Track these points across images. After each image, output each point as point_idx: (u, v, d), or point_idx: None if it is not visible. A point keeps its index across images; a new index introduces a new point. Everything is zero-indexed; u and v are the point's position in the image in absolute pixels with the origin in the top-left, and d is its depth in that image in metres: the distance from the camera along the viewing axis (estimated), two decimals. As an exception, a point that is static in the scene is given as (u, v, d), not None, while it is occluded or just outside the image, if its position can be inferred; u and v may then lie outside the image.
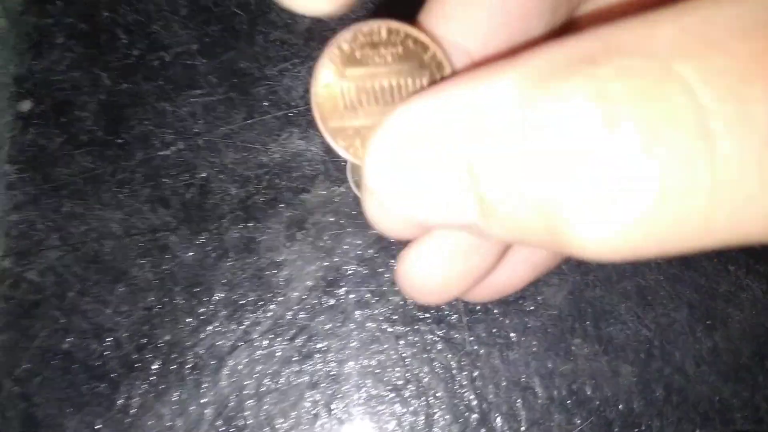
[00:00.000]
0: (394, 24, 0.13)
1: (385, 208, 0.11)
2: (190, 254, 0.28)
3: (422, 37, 0.13)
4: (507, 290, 0.17)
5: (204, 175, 0.29)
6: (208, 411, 0.27)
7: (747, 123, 0.07)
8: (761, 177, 0.08)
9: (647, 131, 0.08)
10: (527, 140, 0.09)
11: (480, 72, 0.10)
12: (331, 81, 0.13)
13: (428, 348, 0.27)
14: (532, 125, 0.09)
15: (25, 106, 0.30)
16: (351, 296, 0.28)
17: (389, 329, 0.27)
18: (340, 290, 0.28)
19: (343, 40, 0.13)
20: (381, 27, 0.13)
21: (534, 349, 0.27)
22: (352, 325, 0.27)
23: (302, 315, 0.28)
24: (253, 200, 0.29)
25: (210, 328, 0.27)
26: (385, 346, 0.27)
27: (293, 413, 0.27)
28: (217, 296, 0.28)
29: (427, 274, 0.15)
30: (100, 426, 0.26)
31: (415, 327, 0.27)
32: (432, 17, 0.14)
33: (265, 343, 0.27)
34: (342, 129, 0.13)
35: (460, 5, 0.14)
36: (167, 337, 0.27)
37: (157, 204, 0.28)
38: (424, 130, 0.10)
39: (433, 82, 0.13)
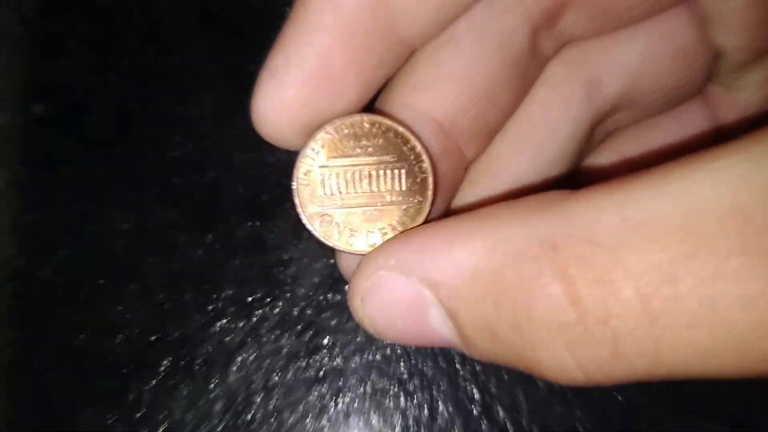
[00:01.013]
0: (377, 117, 0.14)
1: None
2: (200, 252, 0.29)
3: (402, 129, 0.14)
4: None
5: (212, 175, 0.29)
6: (217, 405, 0.27)
7: (678, 303, 0.09)
8: (691, 336, 0.09)
9: (602, 306, 0.10)
10: (501, 302, 0.11)
11: (461, 232, 0.11)
12: (312, 169, 0.14)
13: (432, 342, 0.28)
14: (504, 290, 0.11)
15: (39, 109, 0.30)
16: (356, 293, 0.28)
17: (394, 324, 0.28)
18: (346, 287, 0.28)
19: (326, 131, 0.14)
20: (363, 119, 0.14)
21: (535, 343, 0.28)
22: (357, 321, 0.28)
23: (309, 311, 0.28)
24: (260, 199, 0.29)
25: (219, 324, 0.28)
26: (390, 341, 0.28)
27: (300, 407, 0.27)
28: (226, 293, 0.28)
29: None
30: (113, 420, 0.27)
31: (419, 322, 0.28)
32: (402, 86, 0.15)
33: (273, 338, 0.28)
34: (320, 214, 0.14)
35: (430, 77, 0.15)
36: (177, 333, 0.28)
37: (167, 204, 0.29)
38: (404, 290, 0.12)
39: (411, 173, 0.14)
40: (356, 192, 0.14)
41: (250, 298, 0.28)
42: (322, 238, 0.14)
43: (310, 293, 0.28)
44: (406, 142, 0.14)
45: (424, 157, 0.14)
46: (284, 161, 0.30)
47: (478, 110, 0.15)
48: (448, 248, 0.11)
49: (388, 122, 0.14)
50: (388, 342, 0.13)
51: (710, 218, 0.09)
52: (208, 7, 0.32)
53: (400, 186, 0.14)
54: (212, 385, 0.27)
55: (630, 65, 0.16)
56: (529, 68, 0.16)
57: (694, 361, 0.10)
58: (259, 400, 0.27)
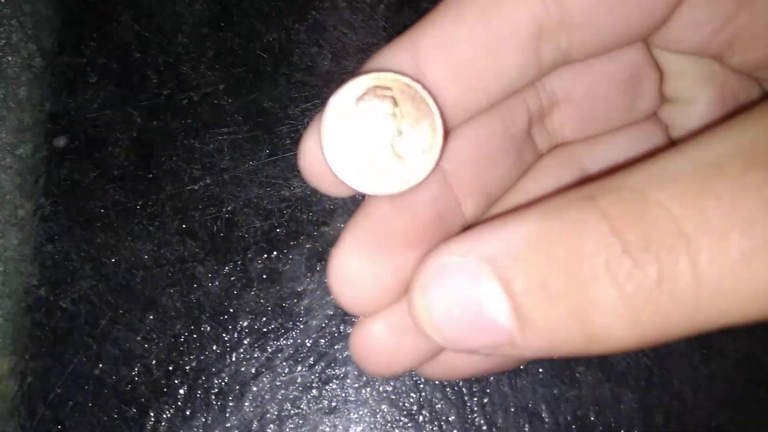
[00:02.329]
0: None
1: (436, 341, 0.13)
2: (217, 284, 0.29)
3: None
4: (460, 373, 0.19)
5: (230, 208, 0.30)
6: (232, 435, 0.28)
7: (707, 224, 0.10)
8: (727, 261, 0.10)
9: (643, 235, 0.11)
10: (553, 254, 0.12)
11: (500, 219, 0.13)
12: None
13: (441, 375, 0.29)
14: (555, 241, 0.12)
15: (60, 142, 0.31)
16: (368, 325, 0.29)
17: (404, 356, 0.29)
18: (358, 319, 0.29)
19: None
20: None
21: (541, 376, 0.29)
22: (369, 353, 0.29)
23: (322, 342, 0.29)
24: (276, 233, 0.30)
25: (235, 354, 0.29)
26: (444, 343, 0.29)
27: (313, 437, 0.28)
28: (242, 324, 0.29)
29: (378, 348, 0.17)
30: (130, 449, 0.27)
31: (429, 354, 0.29)
32: None
33: (287, 369, 0.29)
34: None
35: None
36: (194, 364, 0.29)
37: (185, 236, 0.30)
38: (463, 271, 0.13)
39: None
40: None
41: (265, 329, 0.29)
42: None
43: (323, 325, 0.29)
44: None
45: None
46: (299, 196, 0.31)
47: (478, 167, 0.17)
48: (502, 227, 0.12)
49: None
50: (443, 345, 0.14)
51: (725, 157, 0.10)
52: (225, 43, 0.33)
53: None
54: (227, 415, 0.28)
55: (612, 159, 0.19)
56: (524, 150, 0.18)
57: (733, 274, 0.10)
58: (273, 430, 0.28)
